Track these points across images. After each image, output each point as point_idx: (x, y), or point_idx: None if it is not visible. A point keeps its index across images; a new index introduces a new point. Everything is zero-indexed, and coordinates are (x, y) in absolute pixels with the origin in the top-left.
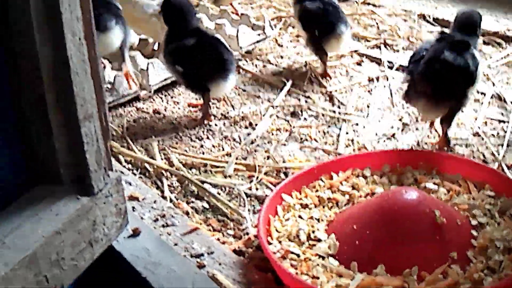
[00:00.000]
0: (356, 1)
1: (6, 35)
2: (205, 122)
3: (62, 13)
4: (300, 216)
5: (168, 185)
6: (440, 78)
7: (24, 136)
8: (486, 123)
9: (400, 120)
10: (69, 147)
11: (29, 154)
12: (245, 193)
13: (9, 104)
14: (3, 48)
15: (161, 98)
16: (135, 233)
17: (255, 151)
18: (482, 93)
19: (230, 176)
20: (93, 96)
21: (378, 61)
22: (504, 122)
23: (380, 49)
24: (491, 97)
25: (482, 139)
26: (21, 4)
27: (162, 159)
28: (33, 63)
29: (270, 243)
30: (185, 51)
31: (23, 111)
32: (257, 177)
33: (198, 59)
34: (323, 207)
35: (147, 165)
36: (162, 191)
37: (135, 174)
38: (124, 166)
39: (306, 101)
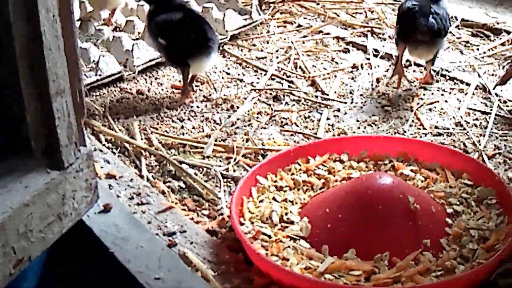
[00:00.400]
0: None
1: None
2: (186, 101)
3: None
4: (274, 198)
5: (146, 165)
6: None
7: None
8: (469, 113)
9: (382, 107)
10: (41, 121)
11: (0, 125)
12: (222, 174)
13: None
14: None
15: (145, 79)
16: (106, 209)
17: (235, 133)
18: (466, 84)
19: (208, 157)
20: (65, 71)
21: (364, 49)
22: (487, 113)
23: (366, 37)
24: (475, 88)
25: (464, 129)
26: None
27: (142, 139)
28: (7, 37)
29: (242, 224)
30: (171, 24)
31: None
32: (235, 159)
33: (183, 33)
34: (298, 190)
35: (126, 145)
36: (140, 170)
37: (114, 153)
38: (104, 145)
39: (289, 86)
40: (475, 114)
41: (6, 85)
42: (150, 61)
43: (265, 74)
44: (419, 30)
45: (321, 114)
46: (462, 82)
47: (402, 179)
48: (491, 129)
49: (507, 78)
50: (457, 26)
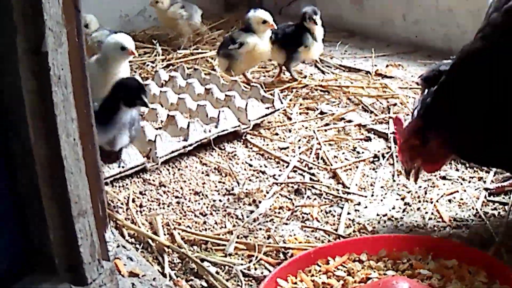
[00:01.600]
0: (369, 72)
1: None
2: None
3: (57, 115)
4: None
5: (169, 262)
6: None
7: (20, 225)
8: (487, 204)
9: (402, 199)
10: (64, 240)
11: (25, 243)
12: (244, 273)
13: (7, 191)
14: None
15: (168, 170)
16: None
17: (257, 230)
18: (486, 171)
19: (230, 255)
20: (87, 193)
21: (385, 136)
22: (505, 203)
23: (388, 123)
24: (494, 174)
25: (483, 220)
26: (17, 106)
27: (165, 234)
28: (28, 159)
29: None
30: None
31: (21, 202)
32: (256, 257)
33: None
34: None
35: (149, 240)
36: (163, 268)
37: (137, 249)
38: (127, 240)
39: (310, 178)
40: (494, 204)
41: (30, 203)
42: (172, 152)
43: (287, 166)
44: None
45: (342, 208)
46: (481, 169)
47: (418, 281)
48: (510, 219)
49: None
50: None
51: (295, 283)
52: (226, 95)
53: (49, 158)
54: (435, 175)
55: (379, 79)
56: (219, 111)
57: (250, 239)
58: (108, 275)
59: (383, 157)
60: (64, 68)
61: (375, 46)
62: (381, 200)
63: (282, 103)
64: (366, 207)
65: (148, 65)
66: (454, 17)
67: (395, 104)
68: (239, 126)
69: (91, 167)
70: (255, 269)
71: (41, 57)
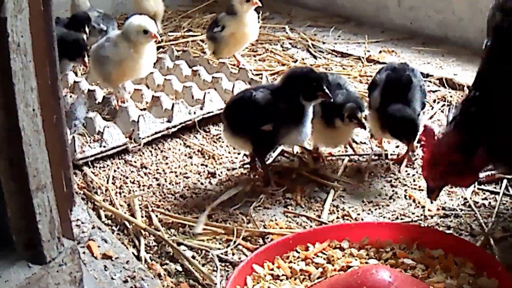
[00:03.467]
0: (361, 58)
1: None
2: (194, 179)
3: (15, 84)
4: None
5: (145, 245)
6: None
7: None
8: (478, 193)
9: (391, 187)
10: (22, 216)
11: None
12: (221, 258)
13: None
14: None
15: (150, 151)
16: None
17: (237, 214)
18: None
19: (208, 240)
20: (47, 166)
21: None
22: (497, 193)
23: None
24: None
25: (472, 210)
26: None
27: (142, 216)
28: None
29: None
30: None
31: None
32: (234, 242)
33: None
34: (295, 279)
35: (126, 223)
36: (138, 251)
37: (113, 231)
38: (103, 222)
39: (299, 164)
40: (484, 193)
41: None
42: (155, 133)
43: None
44: None
45: (327, 193)
46: None
47: (400, 271)
48: (500, 209)
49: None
50: None
51: (272, 269)
52: (213, 77)
53: (6, 129)
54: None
55: (371, 65)
56: (205, 93)
57: (230, 223)
58: (69, 254)
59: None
60: (24, 35)
61: (369, 32)
62: (368, 187)
63: None
64: (351, 194)
65: None
66: (450, 4)
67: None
68: None
69: (55, 141)
70: (233, 254)
71: None
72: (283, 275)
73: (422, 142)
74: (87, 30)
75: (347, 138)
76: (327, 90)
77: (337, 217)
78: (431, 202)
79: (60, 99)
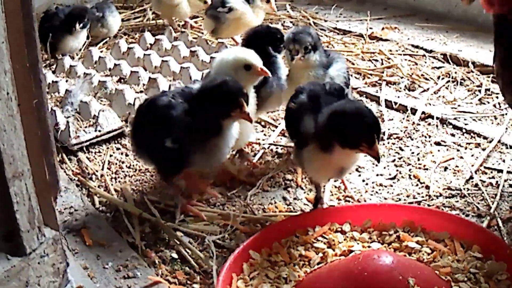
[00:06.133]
0: (363, 35)
1: None
2: None
3: None
4: (267, 275)
5: (140, 231)
6: None
7: None
8: (485, 172)
9: (394, 166)
10: None
11: None
12: (217, 244)
13: None
14: None
15: None
16: None
17: (235, 197)
18: (484, 137)
19: (204, 225)
20: (24, 153)
21: (377, 100)
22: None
23: (380, 87)
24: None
25: (479, 189)
26: None
27: (137, 202)
28: None
29: None
30: None
31: None
32: (232, 227)
33: None
34: (294, 265)
35: (121, 209)
36: (133, 237)
37: (107, 218)
38: (97, 209)
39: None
40: (491, 172)
41: None
42: None
43: (273, 130)
44: None
45: None
46: (479, 135)
47: (403, 256)
48: (507, 188)
49: None
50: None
51: (270, 255)
52: (211, 57)
53: None
54: (428, 141)
55: (373, 42)
56: (203, 73)
57: (227, 207)
58: (51, 245)
59: None
60: None
61: (372, 9)
62: (371, 167)
63: None
64: (354, 174)
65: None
66: None
67: (388, 67)
68: None
69: (35, 126)
70: (230, 240)
71: None
72: (281, 261)
73: None
74: (77, 26)
75: None
76: (245, 108)
77: (339, 199)
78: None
79: (41, 82)
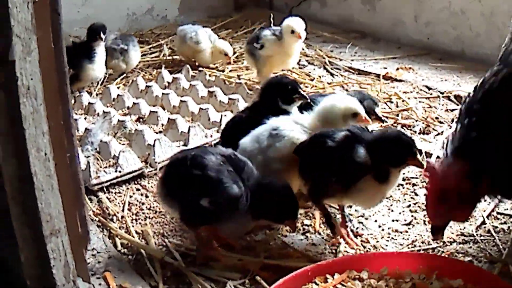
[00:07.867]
0: (378, 75)
1: None
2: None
3: (26, 129)
4: None
5: (162, 275)
6: None
7: None
8: (497, 217)
9: (410, 212)
10: (36, 261)
11: None
12: None
13: None
14: None
15: None
16: None
17: (255, 242)
18: None
19: (227, 270)
20: (60, 211)
21: None
22: None
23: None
24: None
25: (491, 235)
26: None
27: (159, 245)
28: None
29: None
30: None
31: None
32: (252, 272)
33: None
34: None
35: (143, 251)
36: (156, 281)
37: (130, 261)
38: (119, 251)
39: None
40: (503, 218)
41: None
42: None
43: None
44: None
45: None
46: None
47: None
48: None
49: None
50: None
51: None
52: (229, 99)
53: (19, 175)
54: None
55: (388, 83)
56: (221, 116)
57: (247, 252)
58: None
59: None
60: (34, 77)
61: (386, 47)
62: (387, 212)
63: None
64: (371, 219)
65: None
66: (467, 19)
67: (403, 110)
68: None
69: (69, 181)
70: (251, 285)
71: (7, 66)
72: None
73: (427, 179)
74: (102, 36)
75: None
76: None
77: (355, 244)
78: (437, 242)
79: (73, 137)
